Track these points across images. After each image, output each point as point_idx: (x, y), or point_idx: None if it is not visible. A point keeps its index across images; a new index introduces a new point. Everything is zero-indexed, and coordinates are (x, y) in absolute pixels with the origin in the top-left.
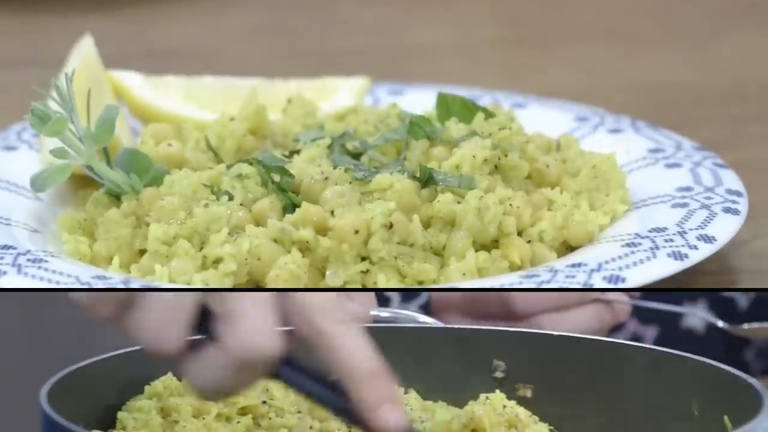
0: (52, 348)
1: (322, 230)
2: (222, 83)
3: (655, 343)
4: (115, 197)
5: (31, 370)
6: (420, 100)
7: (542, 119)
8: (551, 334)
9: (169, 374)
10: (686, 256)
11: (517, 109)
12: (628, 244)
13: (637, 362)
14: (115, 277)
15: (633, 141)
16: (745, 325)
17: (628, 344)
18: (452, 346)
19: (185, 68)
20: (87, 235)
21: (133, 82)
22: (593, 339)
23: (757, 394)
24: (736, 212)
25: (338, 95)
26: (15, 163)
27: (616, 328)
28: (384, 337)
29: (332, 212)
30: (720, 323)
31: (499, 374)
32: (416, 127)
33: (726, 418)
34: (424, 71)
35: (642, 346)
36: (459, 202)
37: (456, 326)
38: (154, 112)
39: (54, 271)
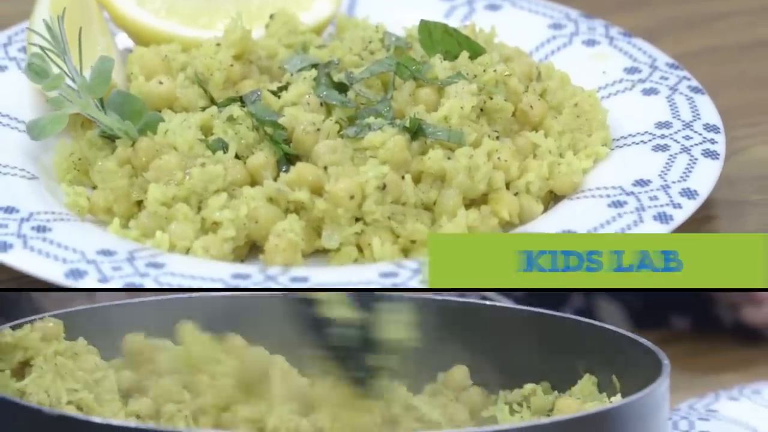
0: None
1: (317, 189)
2: None
3: None
4: (109, 138)
5: None
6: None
7: (517, 26)
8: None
9: None
10: (671, 217)
11: (491, 13)
12: (613, 204)
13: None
14: (120, 251)
15: (609, 57)
16: None
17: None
18: None
19: None
20: (82, 174)
21: None
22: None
23: (656, 359)
24: (715, 156)
25: (317, 4)
26: (4, 88)
27: None
28: None
29: (325, 168)
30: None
31: None
32: (402, 67)
33: (614, 377)
34: None
35: (532, 310)
36: (449, 158)
37: None
38: (137, 26)
39: (59, 245)
